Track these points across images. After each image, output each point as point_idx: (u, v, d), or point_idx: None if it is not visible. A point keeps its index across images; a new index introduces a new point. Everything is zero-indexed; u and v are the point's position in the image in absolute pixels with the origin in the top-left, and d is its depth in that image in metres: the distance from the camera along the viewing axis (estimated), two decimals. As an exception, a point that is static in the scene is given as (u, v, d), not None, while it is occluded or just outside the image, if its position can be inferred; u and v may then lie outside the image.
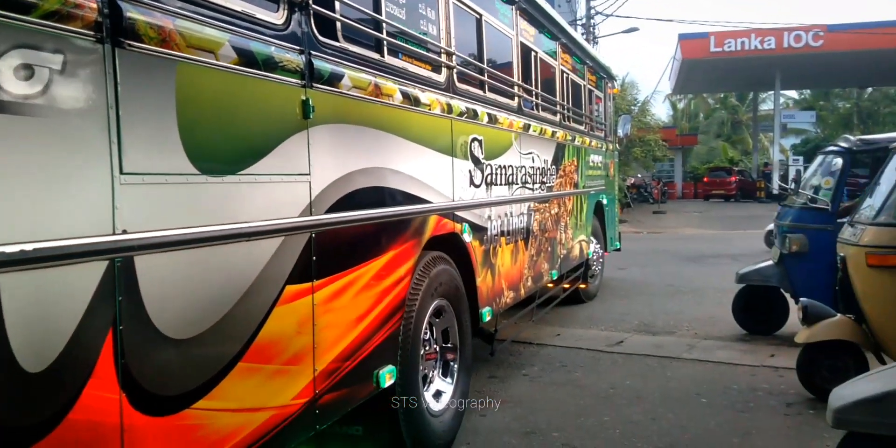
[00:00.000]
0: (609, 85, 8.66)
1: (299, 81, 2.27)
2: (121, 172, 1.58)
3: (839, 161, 5.42)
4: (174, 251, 1.74)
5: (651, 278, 9.18)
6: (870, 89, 38.61)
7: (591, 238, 7.52)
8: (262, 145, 2.09)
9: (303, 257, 2.27)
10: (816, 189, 5.59)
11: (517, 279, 4.72)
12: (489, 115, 4.11)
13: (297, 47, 2.27)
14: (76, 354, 1.48)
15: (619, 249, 9.42)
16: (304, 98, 2.29)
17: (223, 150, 1.93)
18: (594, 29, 22.42)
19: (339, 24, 2.54)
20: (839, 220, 5.03)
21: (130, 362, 1.61)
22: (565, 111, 6.20)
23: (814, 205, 5.43)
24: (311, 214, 2.33)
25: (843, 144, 5.47)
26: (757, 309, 5.91)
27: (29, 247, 1.36)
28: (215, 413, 1.88)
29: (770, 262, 5.77)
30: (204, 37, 1.84)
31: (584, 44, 7.21)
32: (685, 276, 9.25)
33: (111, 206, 1.56)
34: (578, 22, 22.04)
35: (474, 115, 3.87)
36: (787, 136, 38.52)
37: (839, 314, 4.21)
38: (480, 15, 4.08)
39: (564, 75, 6.21)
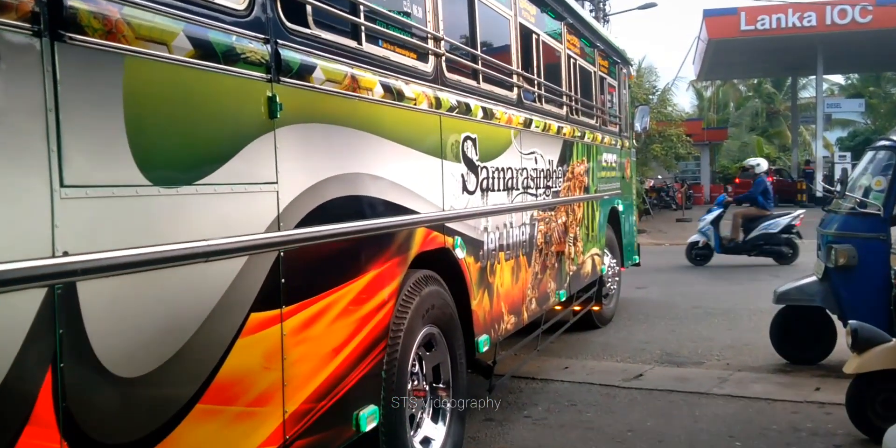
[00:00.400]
0: (624, 71, 8.80)
1: (264, 75, 2.33)
2: (61, 185, 1.63)
3: (892, 158, 5.42)
4: (122, 275, 1.79)
5: (675, 299, 9.18)
6: None
7: (606, 251, 7.60)
8: (222, 150, 2.15)
9: (269, 280, 2.32)
10: (866, 191, 5.58)
11: (519, 301, 4.79)
12: (484, 109, 4.19)
13: (262, 36, 2.33)
14: (12, 396, 1.52)
15: (638, 264, 9.52)
16: (269, 94, 2.34)
17: (178, 156, 1.99)
18: (604, 5, 22.59)
19: (309, 8, 2.60)
20: (894, 228, 5.09)
21: (73, 405, 1.65)
22: (573, 103, 6.30)
23: (863, 210, 5.43)
24: (279, 230, 2.38)
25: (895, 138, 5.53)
26: (799, 334, 5.94)
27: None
28: (170, 464, 1.92)
29: (814, 279, 5.79)
30: (155, 26, 1.89)
31: (594, 23, 7.33)
32: (715, 296, 9.24)
33: (50, 225, 1.61)
34: None
35: (467, 109, 3.94)
36: (831, 129, 38.70)
37: (894, 339, 4.18)
38: (472, -8, 4.16)
39: (571, 61, 6.32)
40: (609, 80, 7.97)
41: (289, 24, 2.48)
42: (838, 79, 42.33)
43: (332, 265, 2.71)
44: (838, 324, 5.63)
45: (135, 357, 1.83)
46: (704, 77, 34.69)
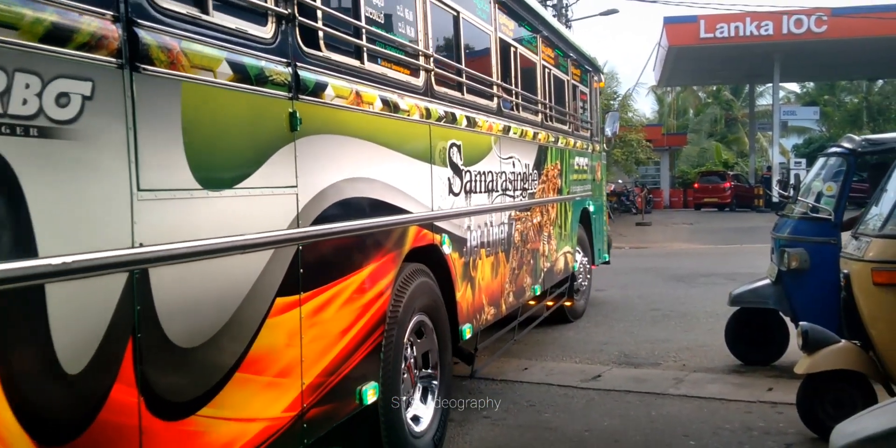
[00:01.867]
0: (595, 78, 9.25)
1: (287, 94, 2.71)
2: (138, 189, 2.01)
3: (843, 164, 5.51)
4: (180, 263, 2.17)
5: (633, 301, 9.30)
6: (880, 82, 39.69)
7: (577, 249, 8.05)
8: (254, 159, 2.53)
9: (291, 269, 2.71)
10: (818, 196, 5.67)
11: (498, 294, 5.20)
12: (468, 118, 4.60)
13: (285, 60, 2.71)
14: (104, 358, 1.89)
15: (608, 262, 9.99)
16: (291, 110, 2.73)
17: (221, 164, 2.36)
18: (566, 10, 22.79)
19: (321, 34, 2.99)
20: (844, 233, 5.09)
21: (146, 368, 2.02)
22: (547, 110, 6.73)
23: (814, 214, 5.51)
24: (298, 227, 2.77)
25: (847, 145, 5.57)
26: (753, 335, 6.03)
27: (69, 259, 1.78)
28: (216, 421, 2.30)
29: (767, 281, 5.87)
30: (205, 56, 2.27)
31: (567, 34, 7.77)
32: (672, 299, 9.35)
33: (130, 221, 1.99)
34: (548, 2, 22.55)
35: (453, 118, 4.35)
36: (788, 136, 39.34)
37: (844, 340, 4.24)
38: (458, 12, 4.57)
39: (546, 71, 6.75)
40: (581, 87, 8.42)
41: (305, 49, 2.87)
42: (794, 87, 43.25)
43: (340, 258, 3.10)
44: (791, 326, 5.75)
45: (189, 331, 2.20)
46: (665, 83, 35.13)
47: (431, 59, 4.08)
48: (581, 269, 8.22)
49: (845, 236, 5.07)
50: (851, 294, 4.17)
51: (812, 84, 42.70)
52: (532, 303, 6.62)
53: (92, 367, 1.85)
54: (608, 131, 9.75)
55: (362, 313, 3.26)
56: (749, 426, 4.53)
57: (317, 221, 2.89)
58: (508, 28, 5.66)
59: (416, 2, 3.96)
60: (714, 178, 30.80)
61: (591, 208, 8.73)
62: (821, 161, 6.15)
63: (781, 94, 34.89)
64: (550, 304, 7.37)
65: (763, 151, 38.19)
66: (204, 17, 2.31)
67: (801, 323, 4.39)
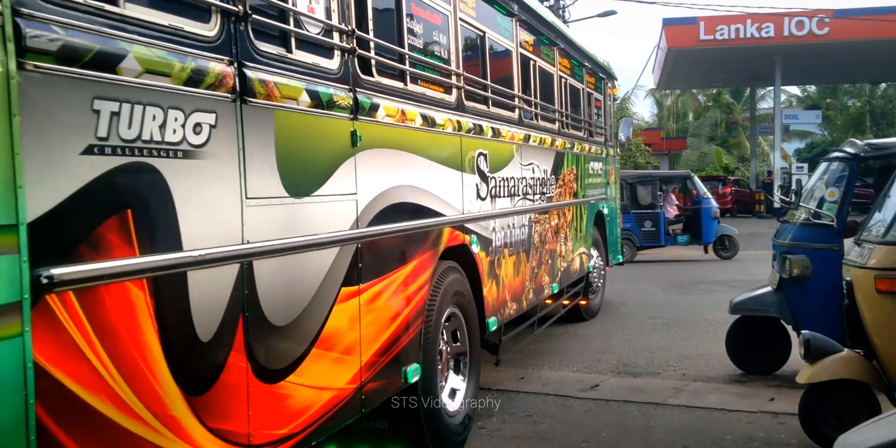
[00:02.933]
0: (609, 85, 9.81)
1: (349, 115, 3.29)
2: (246, 197, 2.58)
3: (845, 169, 5.57)
4: (274, 257, 2.74)
5: (632, 309, 9.39)
6: (883, 85, 39.61)
7: (592, 250, 8.61)
8: (325, 171, 3.11)
9: (352, 264, 3.28)
10: (820, 202, 5.74)
11: (520, 291, 5.76)
12: (493, 129, 5.17)
13: (347, 87, 3.29)
14: (225, 331, 2.46)
15: (621, 263, 10.55)
16: (352, 129, 3.31)
17: (301, 176, 2.94)
18: (564, 12, 23.04)
19: (373, 62, 3.56)
20: (847, 239, 5.06)
21: (251, 340, 2.60)
22: (564, 118, 7.29)
23: (816, 221, 5.55)
24: (357, 228, 3.34)
25: (850, 150, 5.60)
26: (754, 344, 6.07)
27: (203, 252, 2.35)
28: (299, 387, 2.87)
29: (769, 289, 5.90)
30: (291, 87, 2.85)
31: (582, 44, 8.34)
32: (672, 307, 9.43)
33: (240, 223, 2.56)
34: (545, 3, 22.95)
35: (480, 130, 4.92)
36: (790, 140, 39.38)
37: (846, 349, 4.26)
38: (484, 33, 5.14)
39: (563, 81, 7.31)
40: (596, 94, 8.98)
41: (362, 76, 3.44)
42: (796, 90, 43.18)
43: (389, 255, 3.67)
44: (793, 334, 5.76)
45: (279, 312, 2.77)
46: (664, 86, 35.06)
47: (462, 77, 4.65)
48: (596, 270, 8.77)
49: (848, 243, 5.11)
50: (854, 302, 4.18)
51: (814, 87, 42.69)
52: (549, 302, 7.18)
53: (217, 337, 2.43)
54: (621, 136, 10.31)
55: (406, 303, 3.83)
56: (750, 437, 4.57)
57: (371, 223, 3.46)
58: (528, 43, 6.23)
59: (449, 26, 4.53)
60: (714, 183, 30.55)
61: (606, 211, 9.29)
62: (823, 166, 6.22)
63: (783, 97, 34.89)
64: (567, 302, 7.93)
65: (764, 156, 38.26)
66: (289, 55, 2.88)
67: (802, 331, 4.40)
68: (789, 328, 5.89)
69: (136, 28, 2.14)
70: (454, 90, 4.57)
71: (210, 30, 2.45)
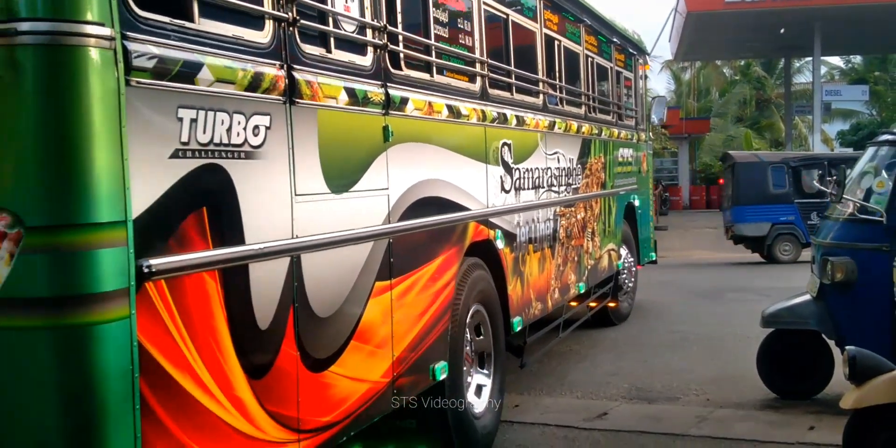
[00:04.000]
0: (640, 61, 10.49)
1: (381, 111, 3.96)
2: (295, 194, 3.25)
3: None
4: (318, 251, 3.41)
5: (648, 322, 9.48)
6: None
7: (622, 247, 9.28)
8: (361, 166, 3.78)
9: (385, 258, 3.95)
10: (867, 194, 5.76)
11: (545, 290, 6.44)
12: (517, 117, 5.84)
13: (379, 82, 3.96)
14: (279, 320, 3.14)
15: (655, 261, 11.23)
16: (384, 124, 3.98)
17: (341, 172, 3.61)
18: None
19: (402, 55, 4.23)
20: None
21: (300, 330, 3.27)
22: (591, 102, 7.97)
23: (863, 216, 5.59)
24: (389, 222, 4.01)
25: None
26: (791, 363, 6.07)
27: (262, 245, 3.02)
28: (340, 377, 3.55)
29: (807, 297, 5.92)
30: (331, 86, 3.52)
31: (610, 18, 9.01)
32: (694, 319, 9.56)
33: (290, 218, 3.23)
34: None
35: (504, 119, 5.59)
36: (831, 121, 38.94)
37: None
38: (507, 15, 5.80)
39: (589, 60, 7.98)
40: (625, 73, 9.66)
41: (392, 70, 4.11)
42: (838, 62, 42.76)
43: (418, 250, 4.35)
44: (836, 350, 5.74)
45: (323, 304, 3.45)
46: (682, 57, 34.90)
47: (486, 65, 5.32)
48: (626, 268, 9.45)
49: None
50: None
51: (860, 58, 42.36)
52: (574, 304, 7.86)
53: (272, 326, 3.10)
54: (654, 118, 10.98)
55: (434, 300, 4.51)
56: (786, 473, 4.61)
57: (402, 218, 4.14)
58: (553, 22, 6.89)
59: (473, 12, 5.20)
60: None
61: (637, 203, 9.97)
62: (870, 151, 6.28)
63: (823, 70, 34.44)
64: (594, 304, 8.60)
65: (802, 139, 38.09)
66: (329, 55, 3.55)
67: (847, 347, 4.37)
68: (832, 344, 5.92)
69: (208, 41, 2.81)
70: (478, 78, 5.24)
71: (264, 37, 3.11)
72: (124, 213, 2.42)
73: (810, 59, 30.97)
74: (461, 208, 4.88)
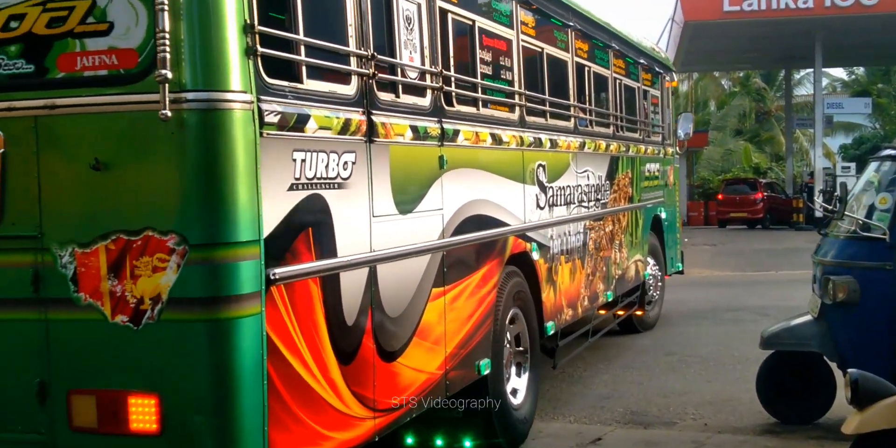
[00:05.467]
0: (666, 79, 11.36)
1: (437, 143, 4.86)
2: (373, 215, 4.16)
3: None
4: (389, 262, 4.31)
5: (643, 343, 9.65)
6: None
7: (649, 258, 10.14)
8: (421, 190, 4.68)
9: (440, 268, 4.85)
10: (869, 210, 5.87)
11: (575, 297, 7.32)
12: (551, 140, 6.73)
13: (436, 119, 4.86)
14: (360, 320, 4.04)
15: (681, 272, 12.08)
16: (440, 154, 4.88)
17: (406, 196, 4.51)
18: None
19: (453, 94, 5.13)
20: None
21: (375, 327, 4.17)
22: (619, 121, 8.85)
23: (866, 233, 5.67)
24: (443, 238, 4.91)
25: None
26: (792, 386, 6.14)
27: (350, 258, 3.93)
28: (405, 368, 4.44)
29: (808, 318, 5.99)
30: (400, 125, 4.42)
31: (638, 41, 9.88)
32: (691, 340, 9.73)
33: (369, 235, 4.14)
34: None
35: (539, 143, 6.48)
36: (833, 134, 38.31)
37: None
38: (542, 49, 6.70)
39: (617, 82, 8.86)
40: (652, 91, 10.53)
41: (446, 107, 5.01)
42: (841, 73, 42.51)
43: (467, 261, 5.24)
44: (838, 373, 5.79)
45: (392, 306, 4.35)
46: (679, 68, 33.21)
47: (524, 96, 6.22)
48: (652, 279, 10.30)
49: None
50: None
51: (862, 70, 42.29)
52: (602, 312, 8.73)
53: (356, 323, 4.00)
54: (681, 133, 11.83)
55: (479, 305, 5.39)
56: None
57: (454, 233, 5.03)
58: (583, 50, 7.78)
59: (513, 50, 6.10)
60: (742, 187, 30.74)
61: (663, 215, 10.84)
62: (873, 166, 6.40)
63: (825, 82, 34.41)
64: (621, 312, 9.46)
65: (803, 153, 38.02)
66: (398, 100, 4.46)
67: (850, 370, 4.44)
68: (834, 366, 5.98)
69: (312, 97, 3.72)
70: (517, 108, 6.14)
71: (351, 90, 4.03)
72: (258, 233, 3.33)
73: (811, 70, 30.80)
74: (502, 224, 5.77)
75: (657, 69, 10.85)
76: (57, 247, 3.35)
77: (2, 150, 3.41)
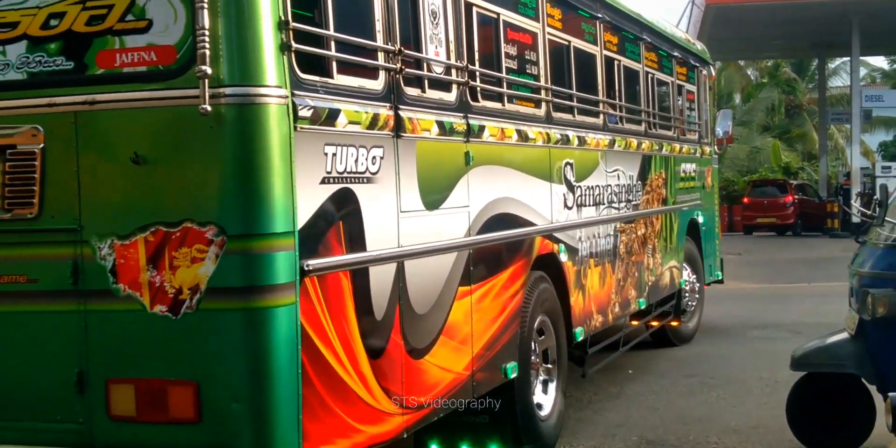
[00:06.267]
0: (704, 73, 11.83)
1: (463, 139, 5.35)
2: (401, 211, 4.64)
3: None
4: (416, 258, 4.79)
5: (659, 363, 9.69)
6: None
7: (685, 265, 10.58)
8: (448, 187, 5.17)
9: (466, 267, 5.33)
10: None
11: (605, 303, 7.78)
12: (579, 137, 7.21)
13: (462, 114, 5.35)
14: (387, 315, 4.52)
15: (721, 281, 12.49)
16: (466, 150, 5.36)
17: (433, 192, 4.99)
18: None
19: (479, 89, 5.62)
20: None
21: (404, 323, 4.65)
22: (651, 118, 9.32)
23: None
24: (470, 235, 5.39)
25: None
26: (826, 411, 6.12)
27: (378, 253, 4.41)
28: (432, 366, 4.92)
29: (845, 335, 6.01)
30: (426, 120, 4.91)
31: (671, 32, 10.36)
32: (714, 360, 9.80)
33: (396, 231, 4.62)
34: None
35: (567, 140, 6.96)
36: (872, 130, 37.82)
37: None
38: (570, 42, 7.19)
39: (649, 77, 9.34)
40: (688, 86, 11.00)
41: (472, 103, 5.50)
42: (881, 62, 42.30)
43: (492, 260, 5.72)
44: (878, 397, 5.83)
45: (419, 303, 4.82)
46: None
47: (550, 91, 6.70)
48: (688, 287, 10.75)
49: None
50: None
51: None
52: (635, 323, 9.18)
53: (385, 318, 4.48)
54: (720, 131, 12.29)
55: (506, 306, 5.86)
56: None
57: (480, 232, 5.51)
58: (613, 43, 8.27)
59: (539, 43, 6.58)
60: (771, 189, 30.92)
61: (701, 219, 11.29)
62: None
63: (863, 71, 34.36)
64: (655, 323, 9.90)
65: (839, 152, 37.80)
66: (424, 95, 4.95)
67: (890, 394, 4.53)
68: (873, 389, 6.00)
69: (343, 91, 4.21)
70: (543, 104, 6.63)
71: (378, 85, 4.52)
72: (293, 225, 3.81)
73: (847, 59, 30.72)
74: (529, 224, 6.25)
75: (693, 62, 11.31)
76: (96, 239, 3.84)
77: (42, 145, 3.90)
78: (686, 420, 7.35)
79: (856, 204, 8.29)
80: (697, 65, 11.52)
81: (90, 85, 3.87)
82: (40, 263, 3.97)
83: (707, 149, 11.89)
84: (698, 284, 11.24)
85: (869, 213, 6.43)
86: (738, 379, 8.75)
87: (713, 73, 12.39)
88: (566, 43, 7.18)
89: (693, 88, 11.32)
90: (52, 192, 3.92)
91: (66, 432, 3.95)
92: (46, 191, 3.92)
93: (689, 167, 10.87)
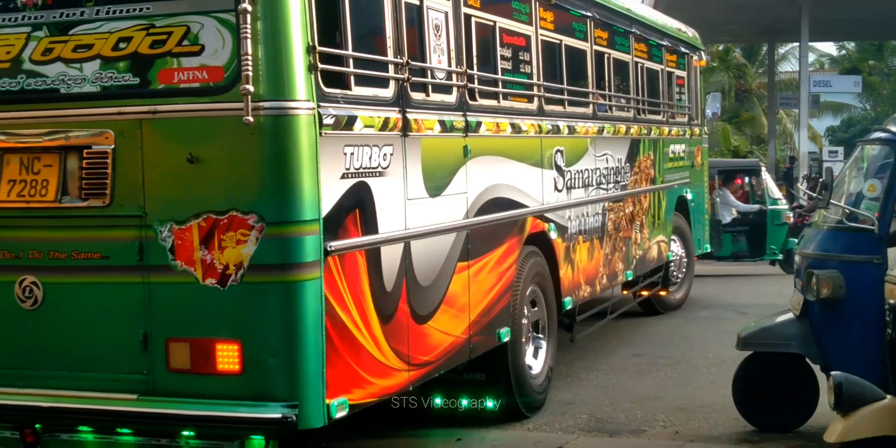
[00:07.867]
0: (694, 58, 12.59)
1: (462, 134, 6.18)
2: (407, 198, 5.50)
3: (890, 154, 5.69)
4: (420, 239, 5.64)
5: (609, 343, 9.80)
6: None
7: (674, 238, 11.42)
8: (448, 176, 6.01)
9: (464, 245, 6.18)
10: (857, 199, 5.98)
11: (593, 275, 8.63)
12: (569, 127, 8.03)
13: (461, 112, 6.17)
14: (398, 286, 5.37)
15: (710, 252, 13.33)
16: (465, 144, 6.20)
17: (435, 181, 5.83)
18: None
19: (476, 90, 6.44)
20: (891, 249, 5.43)
21: (409, 295, 5.51)
22: (640, 105, 10.12)
23: (852, 223, 5.72)
24: (467, 218, 6.23)
25: (895, 129, 5.81)
26: (771, 390, 6.26)
27: (388, 235, 5.26)
28: (434, 330, 5.78)
29: (790, 316, 6.11)
30: (429, 120, 5.74)
31: (660, 22, 11.12)
32: (663, 340, 9.99)
33: (404, 215, 5.47)
34: None
35: (557, 130, 7.78)
36: (820, 115, 37.88)
37: (889, 395, 4.42)
38: (561, 40, 7.99)
39: (639, 66, 10.13)
40: (678, 72, 11.78)
41: (470, 102, 6.32)
42: (829, 48, 42.30)
43: (488, 239, 6.56)
44: (821, 376, 5.88)
45: (424, 277, 5.68)
46: None
47: (542, 87, 7.51)
48: (676, 259, 11.60)
49: (893, 254, 5.46)
50: None
51: (853, 44, 42.14)
52: (625, 292, 10.04)
53: (394, 290, 5.34)
54: (708, 112, 13.09)
55: (500, 279, 6.72)
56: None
57: (477, 214, 6.36)
58: (603, 38, 9.06)
59: (532, 45, 7.39)
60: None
61: (689, 196, 12.12)
62: (858, 150, 6.50)
63: (812, 57, 33.91)
64: (644, 293, 10.77)
65: (787, 136, 37.73)
66: (427, 98, 5.77)
67: (833, 373, 4.51)
68: (816, 369, 6.14)
69: (359, 100, 5.04)
70: (535, 99, 7.44)
71: (389, 93, 5.35)
72: (318, 213, 4.66)
73: (797, 44, 30.50)
74: (521, 206, 7.09)
75: (683, 50, 12.08)
76: (158, 224, 4.70)
77: (113, 146, 4.75)
78: (634, 398, 7.53)
79: (803, 187, 8.54)
80: (688, 51, 12.29)
81: (153, 97, 4.71)
82: (112, 243, 4.82)
83: (697, 130, 12.68)
84: (687, 258, 12.08)
85: (815, 195, 6.56)
86: (685, 358, 8.93)
87: (704, 58, 13.13)
88: (557, 42, 7.97)
89: (683, 74, 12.09)
90: (121, 185, 4.76)
91: (132, 382, 4.81)
92: (116, 184, 4.76)
93: (678, 148, 11.67)
